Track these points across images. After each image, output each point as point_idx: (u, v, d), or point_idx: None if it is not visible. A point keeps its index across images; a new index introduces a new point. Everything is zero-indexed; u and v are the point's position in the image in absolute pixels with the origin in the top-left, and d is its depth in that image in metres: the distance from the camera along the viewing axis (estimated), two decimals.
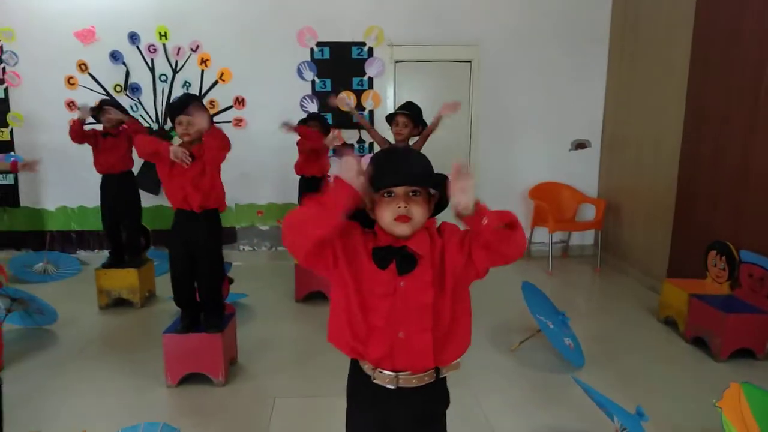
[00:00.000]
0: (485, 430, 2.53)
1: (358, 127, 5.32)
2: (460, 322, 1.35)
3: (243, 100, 5.28)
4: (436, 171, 1.35)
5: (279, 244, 5.43)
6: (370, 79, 5.33)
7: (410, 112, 3.55)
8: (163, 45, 5.17)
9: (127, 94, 5.20)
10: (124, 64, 5.16)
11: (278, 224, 5.36)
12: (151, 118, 5.26)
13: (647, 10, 4.74)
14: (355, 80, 5.32)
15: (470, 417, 2.62)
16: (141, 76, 5.20)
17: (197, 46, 5.17)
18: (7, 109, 5.18)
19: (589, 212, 5.52)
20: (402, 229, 1.28)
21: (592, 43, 5.36)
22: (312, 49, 5.25)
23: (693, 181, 4.09)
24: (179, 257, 2.89)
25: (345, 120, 5.22)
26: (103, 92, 5.15)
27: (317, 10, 5.17)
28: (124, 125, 4.05)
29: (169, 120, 2.81)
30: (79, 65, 5.14)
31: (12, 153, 5.23)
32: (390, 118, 3.66)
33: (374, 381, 1.35)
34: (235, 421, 2.63)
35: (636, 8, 4.91)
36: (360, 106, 5.34)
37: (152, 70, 5.20)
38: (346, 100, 4.71)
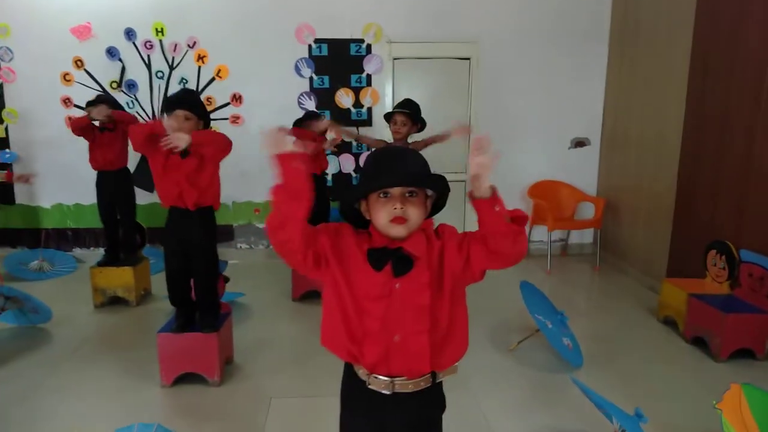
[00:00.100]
0: (483, 430, 2.51)
1: (356, 124, 5.30)
2: (457, 325, 1.32)
3: (240, 97, 5.24)
4: (433, 171, 1.32)
5: None
6: (369, 76, 5.29)
7: (409, 110, 3.52)
8: (160, 41, 5.12)
9: (123, 91, 5.16)
10: (120, 60, 5.12)
11: None
12: (147, 115, 5.22)
13: (647, 7, 4.70)
14: (354, 77, 5.28)
15: (468, 417, 2.60)
16: (137, 72, 5.16)
17: (194, 43, 5.13)
18: (2, 106, 5.14)
19: (588, 211, 5.49)
20: (398, 231, 1.25)
21: (592, 40, 5.33)
22: (310, 46, 5.21)
23: (693, 180, 4.07)
24: (173, 255, 2.86)
25: (343, 118, 5.19)
26: (99, 89, 5.11)
27: (315, 6, 5.13)
28: (116, 119, 3.99)
29: (165, 114, 2.75)
30: (75, 61, 5.10)
31: (7, 150, 5.19)
32: (388, 117, 3.63)
33: (369, 387, 1.32)
34: (231, 422, 2.60)
35: (636, 5, 4.88)
36: (358, 104, 5.31)
37: (149, 66, 5.16)
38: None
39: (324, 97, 5.28)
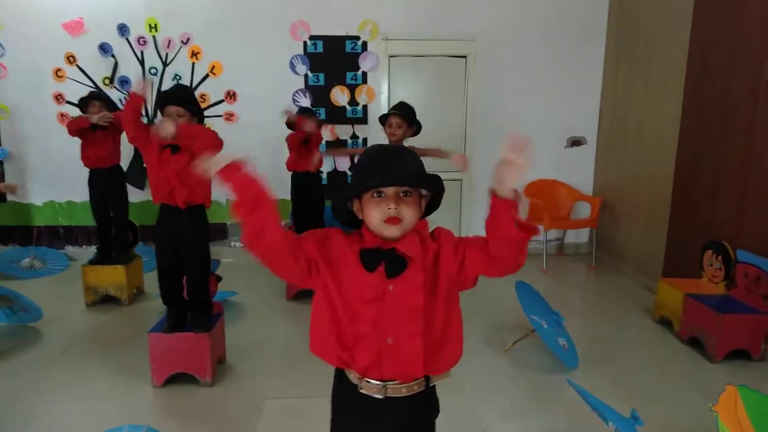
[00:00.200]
0: (478, 431, 2.49)
1: (351, 122, 5.27)
2: (452, 329, 1.30)
3: (234, 94, 5.20)
4: (427, 170, 1.29)
5: None
6: (364, 74, 5.25)
7: (404, 112, 3.48)
8: (153, 37, 5.07)
9: (115, 87, 5.11)
10: (113, 56, 5.07)
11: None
12: (141, 111, 5.17)
13: (645, 6, 4.69)
14: (349, 74, 5.24)
15: (463, 418, 2.58)
16: (131, 68, 5.10)
17: (188, 39, 5.08)
18: None
19: (584, 210, 5.48)
20: (391, 231, 1.21)
21: (588, 39, 5.31)
22: (305, 43, 5.16)
23: (690, 180, 4.05)
24: (164, 253, 2.84)
25: (338, 115, 5.16)
26: (92, 85, 5.06)
27: (311, 2, 5.09)
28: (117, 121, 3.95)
29: (158, 109, 2.72)
30: (67, 57, 5.04)
31: None
32: (383, 119, 3.59)
33: (361, 391, 1.29)
34: (223, 423, 2.57)
35: (634, 3, 4.86)
36: (354, 101, 5.27)
37: (142, 62, 5.11)
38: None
39: (319, 95, 5.24)
